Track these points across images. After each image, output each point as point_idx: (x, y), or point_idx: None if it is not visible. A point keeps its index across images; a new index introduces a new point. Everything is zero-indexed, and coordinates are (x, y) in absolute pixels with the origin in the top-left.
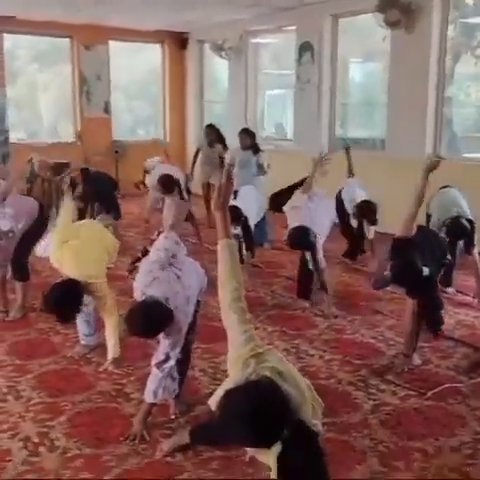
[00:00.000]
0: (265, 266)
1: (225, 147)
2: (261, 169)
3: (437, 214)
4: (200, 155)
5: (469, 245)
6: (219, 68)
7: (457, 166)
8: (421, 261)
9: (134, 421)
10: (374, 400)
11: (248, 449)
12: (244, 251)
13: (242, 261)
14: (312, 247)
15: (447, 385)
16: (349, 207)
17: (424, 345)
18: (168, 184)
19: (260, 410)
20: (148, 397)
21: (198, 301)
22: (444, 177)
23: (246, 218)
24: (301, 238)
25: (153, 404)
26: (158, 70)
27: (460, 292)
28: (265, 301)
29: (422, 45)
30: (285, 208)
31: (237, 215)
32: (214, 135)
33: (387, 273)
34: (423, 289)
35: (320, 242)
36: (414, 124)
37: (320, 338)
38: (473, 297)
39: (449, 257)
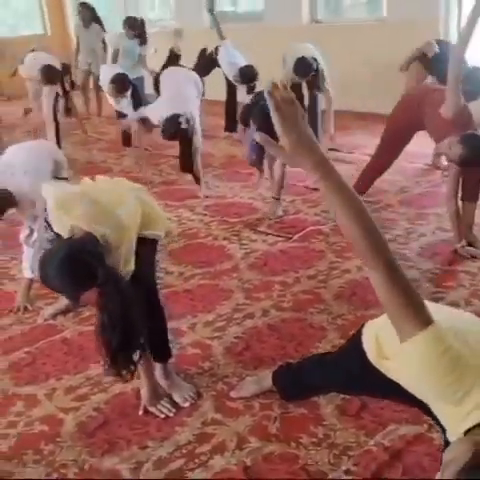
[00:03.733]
0: (153, 148)
1: (102, 27)
2: (143, 62)
3: (288, 64)
4: (80, 42)
5: (318, 82)
6: None
7: (338, 28)
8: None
9: (16, 296)
10: (245, 249)
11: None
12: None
13: (130, 144)
14: (187, 134)
15: (311, 228)
16: (228, 70)
17: (296, 198)
18: (50, 74)
19: (70, 265)
20: (26, 273)
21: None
22: (325, 40)
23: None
24: (175, 129)
25: (31, 279)
26: None
27: (334, 149)
28: (151, 179)
29: None
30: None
31: (126, 83)
32: (88, 14)
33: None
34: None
35: (196, 122)
36: None
37: (201, 205)
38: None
39: None
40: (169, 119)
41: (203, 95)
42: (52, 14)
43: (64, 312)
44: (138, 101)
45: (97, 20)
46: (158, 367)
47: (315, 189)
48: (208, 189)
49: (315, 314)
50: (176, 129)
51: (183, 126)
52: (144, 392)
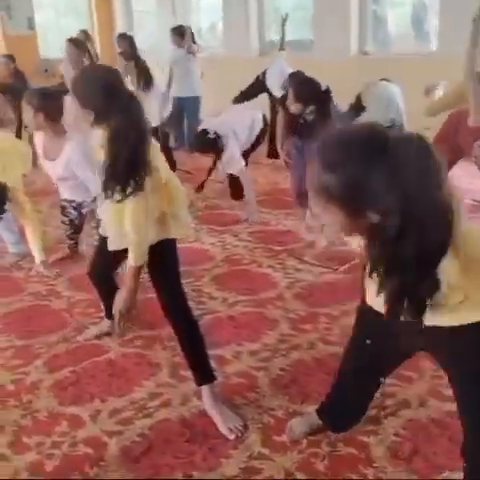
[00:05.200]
0: (197, 173)
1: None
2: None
3: (372, 113)
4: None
5: None
6: None
7: (387, 61)
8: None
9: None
10: (290, 278)
11: None
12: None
13: (175, 168)
14: (214, 149)
15: (357, 260)
16: (277, 81)
17: None
18: None
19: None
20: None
21: None
22: (374, 72)
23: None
24: (201, 141)
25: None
26: None
27: None
28: (195, 204)
29: None
30: None
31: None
32: (126, 46)
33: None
34: (323, 103)
35: (231, 143)
36: (339, 24)
37: (246, 231)
38: None
39: None
40: (198, 133)
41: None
42: (102, 36)
43: (108, 333)
44: (147, 79)
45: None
46: (205, 394)
47: None
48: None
49: None
50: (203, 140)
51: (210, 136)
52: (119, 296)
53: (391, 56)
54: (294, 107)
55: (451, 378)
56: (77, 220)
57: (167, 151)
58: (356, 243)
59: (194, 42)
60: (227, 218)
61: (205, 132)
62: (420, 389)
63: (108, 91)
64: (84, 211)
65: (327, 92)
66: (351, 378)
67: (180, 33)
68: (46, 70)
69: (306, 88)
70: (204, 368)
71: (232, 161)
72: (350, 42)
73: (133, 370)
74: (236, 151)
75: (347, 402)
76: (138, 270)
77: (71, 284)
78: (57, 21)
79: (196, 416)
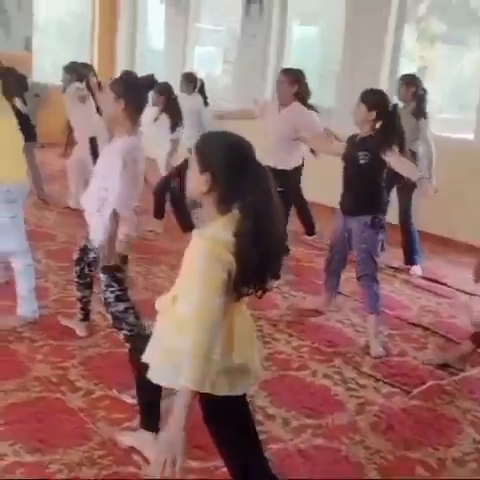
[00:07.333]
0: None
1: None
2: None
3: None
4: None
5: None
6: (154, 13)
7: None
8: None
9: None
10: (357, 397)
11: None
12: None
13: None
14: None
15: (431, 382)
16: None
17: (394, 333)
18: None
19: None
20: None
21: None
22: None
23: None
24: None
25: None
26: (87, 12)
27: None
28: None
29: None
30: None
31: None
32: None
33: None
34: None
35: None
36: None
37: (284, 320)
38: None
39: None
40: None
41: None
42: (101, 69)
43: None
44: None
45: None
46: None
47: (417, 326)
48: (284, 298)
49: None
50: None
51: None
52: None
53: None
54: (363, 115)
55: None
56: (86, 269)
57: (179, 211)
58: None
59: (204, 95)
60: (261, 302)
61: None
62: None
63: (237, 157)
64: (91, 257)
65: (395, 108)
66: None
67: (191, 80)
68: (37, 95)
69: (380, 97)
70: None
71: None
72: None
73: None
74: None
75: None
76: (192, 395)
77: (88, 371)
78: (55, 46)
79: None
